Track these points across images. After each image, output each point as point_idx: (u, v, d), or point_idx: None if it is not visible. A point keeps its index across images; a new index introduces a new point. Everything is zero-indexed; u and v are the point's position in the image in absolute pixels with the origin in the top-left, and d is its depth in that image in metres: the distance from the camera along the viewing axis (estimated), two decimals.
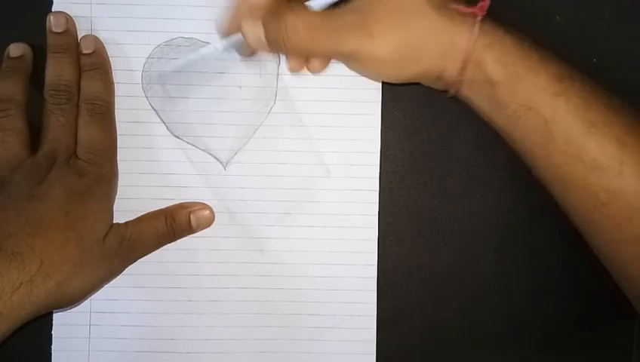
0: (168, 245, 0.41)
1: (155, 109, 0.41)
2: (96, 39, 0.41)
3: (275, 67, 0.41)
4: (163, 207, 0.41)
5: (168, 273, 0.42)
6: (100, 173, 0.39)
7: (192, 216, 0.41)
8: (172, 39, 0.41)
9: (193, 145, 0.41)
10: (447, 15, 0.36)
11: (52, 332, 0.41)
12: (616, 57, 0.43)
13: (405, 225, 0.42)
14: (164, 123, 0.41)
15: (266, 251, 0.42)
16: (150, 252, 0.41)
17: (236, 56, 0.41)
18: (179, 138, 0.41)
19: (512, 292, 0.43)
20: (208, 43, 0.41)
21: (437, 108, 0.42)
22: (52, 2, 0.41)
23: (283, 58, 0.41)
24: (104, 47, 0.41)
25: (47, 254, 0.35)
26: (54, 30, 0.40)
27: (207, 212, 0.41)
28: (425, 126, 0.42)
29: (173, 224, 0.40)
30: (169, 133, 0.41)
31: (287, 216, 0.42)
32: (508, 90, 0.36)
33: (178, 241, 0.41)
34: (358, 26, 0.36)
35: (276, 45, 0.36)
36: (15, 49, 0.40)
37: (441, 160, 0.42)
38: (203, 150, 0.41)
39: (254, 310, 0.42)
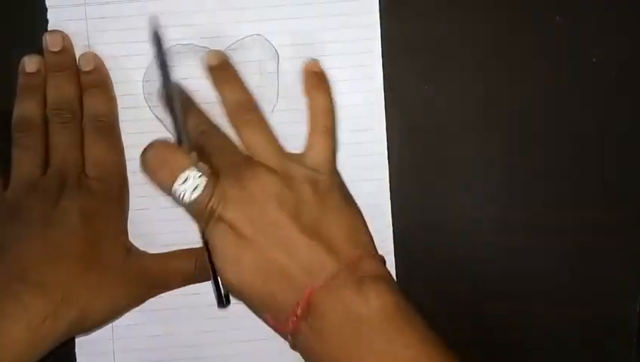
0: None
1: (159, 118, 0.41)
2: (95, 56, 0.41)
3: (275, 65, 0.41)
4: (174, 215, 0.41)
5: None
6: (111, 190, 0.39)
7: None
8: (169, 47, 0.41)
9: None
10: None
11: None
12: (616, 57, 0.43)
13: (405, 225, 0.42)
14: (170, 132, 0.41)
15: None
16: (173, 289, 0.41)
17: (235, 59, 0.41)
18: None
19: (511, 292, 0.43)
20: (206, 47, 0.41)
21: (437, 107, 0.42)
22: (47, 21, 0.41)
23: (281, 56, 0.41)
24: (103, 62, 0.41)
25: (68, 283, 0.35)
26: (51, 49, 0.40)
27: None
28: (425, 126, 0.42)
29: (202, 268, 0.39)
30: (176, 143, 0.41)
31: None
32: None
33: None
34: None
35: None
36: (30, 64, 0.40)
37: (441, 160, 0.43)
38: None
39: None
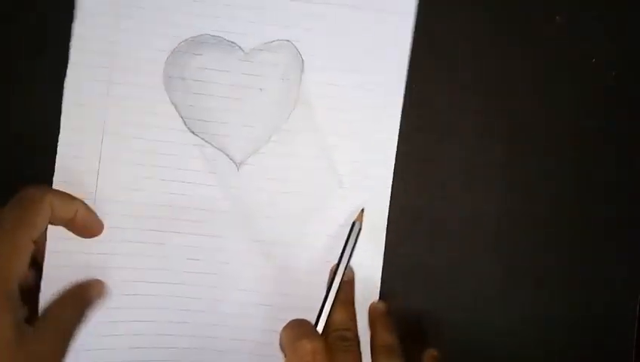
0: (172, 238, 0.41)
1: (173, 103, 0.41)
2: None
3: (298, 74, 0.41)
4: (172, 200, 0.41)
5: (170, 268, 0.41)
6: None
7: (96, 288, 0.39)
8: (199, 35, 0.41)
9: (209, 143, 0.41)
10: None
11: None
12: (616, 57, 0.43)
13: (405, 225, 0.42)
14: (181, 117, 0.41)
15: (271, 256, 0.42)
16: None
17: (261, 59, 0.41)
18: (195, 134, 0.41)
19: (511, 292, 0.43)
20: (234, 43, 0.41)
21: (437, 108, 0.43)
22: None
23: (306, 65, 0.42)
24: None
25: None
26: None
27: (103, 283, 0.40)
28: (425, 126, 0.42)
29: (84, 304, 0.38)
30: (186, 129, 0.41)
31: (296, 223, 0.42)
32: None
33: (182, 237, 0.41)
34: None
35: None
36: None
37: (441, 160, 0.43)
38: (218, 148, 0.41)
39: (254, 312, 0.41)
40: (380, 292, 0.42)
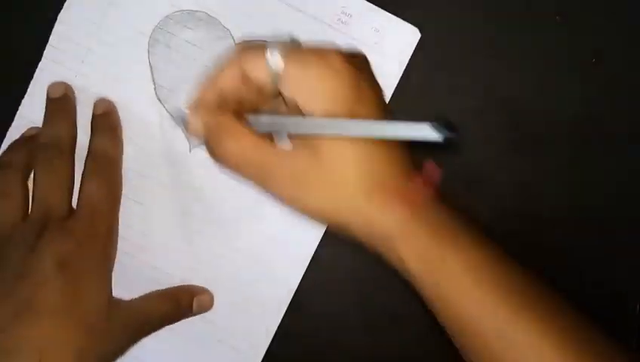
0: None
1: (151, 66, 0.41)
2: (110, 103, 0.40)
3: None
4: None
5: None
6: (96, 232, 0.36)
7: (195, 300, 0.40)
8: (197, 10, 0.41)
9: (171, 116, 0.41)
10: (376, 202, 0.32)
11: None
12: (616, 57, 0.42)
13: None
14: (154, 83, 0.41)
15: (194, 244, 0.41)
16: (154, 331, 0.39)
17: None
18: (161, 103, 0.41)
19: None
20: (229, 31, 0.41)
21: (438, 107, 0.42)
22: None
23: None
24: (116, 110, 0.40)
25: (45, 344, 0.32)
26: (51, 97, 0.39)
27: (208, 297, 0.40)
28: None
29: (179, 307, 0.39)
30: (154, 95, 0.41)
31: (227, 221, 0.41)
32: (421, 278, 0.32)
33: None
34: (292, 178, 0.32)
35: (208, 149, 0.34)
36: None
37: (441, 160, 0.41)
38: (177, 124, 0.40)
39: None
40: (383, 291, 0.41)
